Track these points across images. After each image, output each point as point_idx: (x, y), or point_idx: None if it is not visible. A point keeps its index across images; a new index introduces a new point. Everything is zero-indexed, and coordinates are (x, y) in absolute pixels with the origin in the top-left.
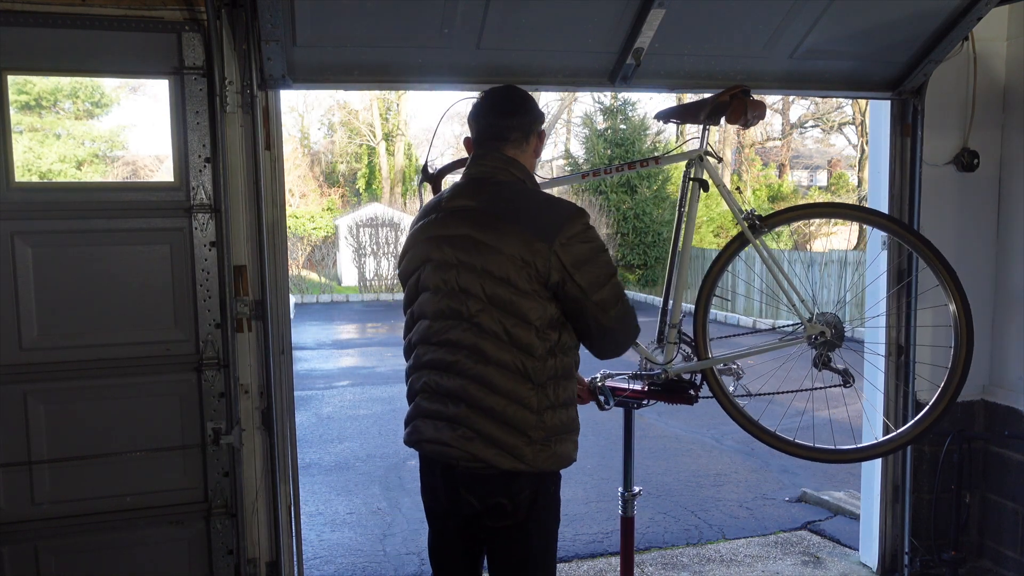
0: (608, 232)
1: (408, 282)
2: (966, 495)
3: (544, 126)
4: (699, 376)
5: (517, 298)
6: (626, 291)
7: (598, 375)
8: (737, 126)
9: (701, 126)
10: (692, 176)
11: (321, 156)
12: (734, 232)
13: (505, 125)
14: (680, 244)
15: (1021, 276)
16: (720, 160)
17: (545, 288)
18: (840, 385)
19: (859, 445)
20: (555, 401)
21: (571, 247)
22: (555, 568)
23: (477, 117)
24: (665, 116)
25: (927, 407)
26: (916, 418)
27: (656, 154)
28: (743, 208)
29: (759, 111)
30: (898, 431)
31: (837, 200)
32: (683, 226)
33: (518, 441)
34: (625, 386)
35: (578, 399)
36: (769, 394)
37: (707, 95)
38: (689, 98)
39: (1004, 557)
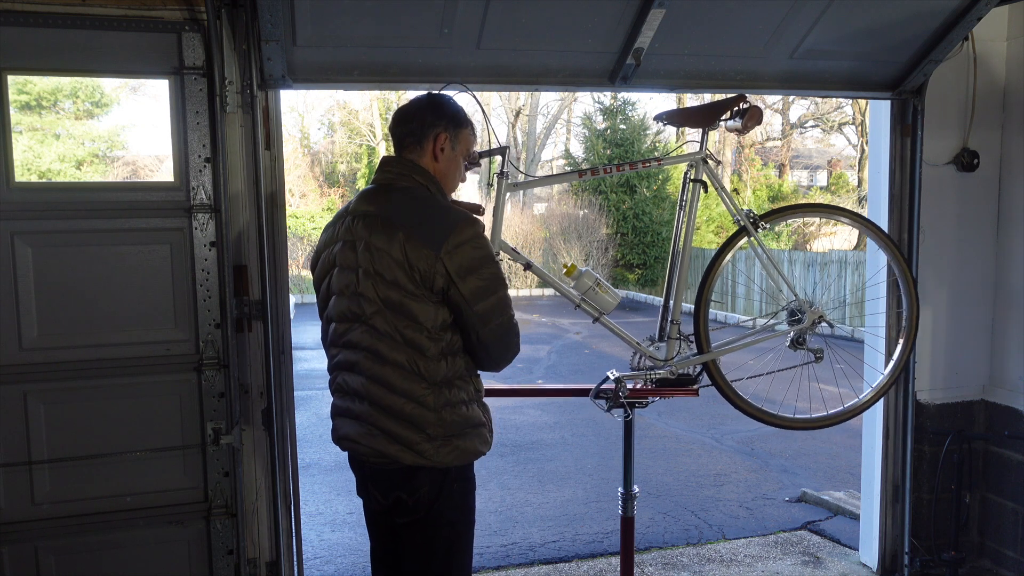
0: (608, 232)
1: (320, 286)
2: (966, 495)
3: (461, 129)
4: (698, 367)
5: (408, 301)
6: (626, 291)
7: (612, 374)
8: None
9: (701, 130)
10: (692, 178)
11: (321, 156)
12: (732, 231)
13: (400, 132)
14: (681, 244)
15: (1021, 276)
16: (719, 163)
17: (433, 293)
18: (813, 362)
19: (832, 411)
20: (453, 399)
21: (457, 255)
22: (466, 570)
23: (389, 127)
24: (667, 118)
25: (888, 368)
26: (878, 383)
27: (658, 155)
28: (741, 208)
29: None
30: (863, 395)
31: (837, 201)
32: (683, 226)
33: (417, 437)
34: (630, 386)
35: None
36: (757, 375)
37: (707, 99)
38: (689, 98)
39: (1004, 557)
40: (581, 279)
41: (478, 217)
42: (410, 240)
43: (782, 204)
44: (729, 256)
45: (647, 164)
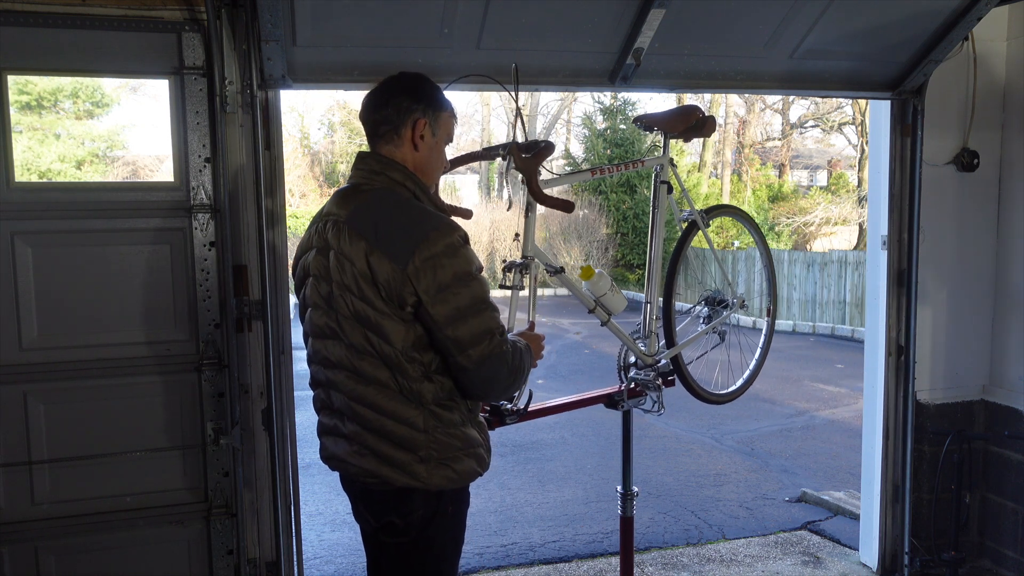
0: (608, 232)
1: (299, 295)
2: (966, 495)
3: (440, 112)
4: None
5: (378, 317)
6: (627, 291)
7: (650, 376)
8: (685, 137)
9: (664, 135)
10: (661, 180)
11: (321, 156)
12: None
13: (374, 120)
14: (656, 242)
15: (1021, 276)
16: (674, 166)
17: (402, 310)
18: (719, 343)
19: (735, 387)
20: (445, 420)
21: (427, 270)
22: None
23: (360, 114)
24: (640, 122)
25: (761, 343)
26: (757, 354)
27: (639, 158)
28: (695, 208)
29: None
30: (749, 370)
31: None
32: (657, 225)
33: (409, 458)
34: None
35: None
36: (700, 357)
37: (707, 99)
38: (689, 98)
39: (1004, 557)
40: (599, 283)
41: (458, 223)
42: (374, 252)
43: (712, 204)
44: (687, 248)
45: (636, 165)
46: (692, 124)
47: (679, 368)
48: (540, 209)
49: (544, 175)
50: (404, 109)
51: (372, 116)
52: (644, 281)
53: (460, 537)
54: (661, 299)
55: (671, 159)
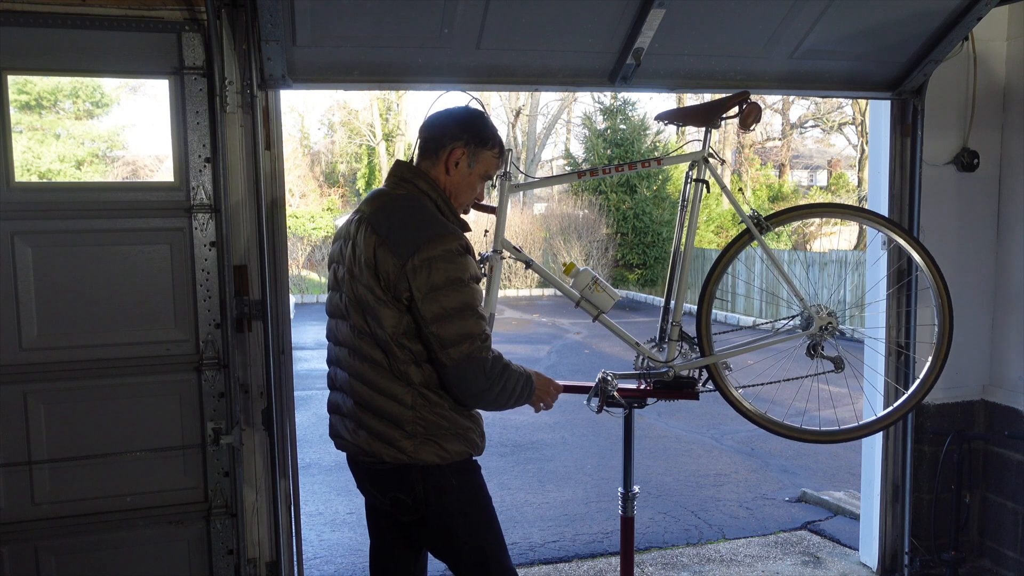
0: (608, 232)
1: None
2: (966, 495)
3: (482, 149)
4: (700, 371)
5: (375, 304)
6: (627, 291)
7: (606, 375)
8: (738, 128)
9: (704, 129)
10: (695, 177)
11: (321, 156)
12: (735, 231)
13: (423, 136)
14: (683, 244)
15: (1021, 276)
16: (723, 162)
17: (398, 301)
18: (832, 371)
19: (858, 424)
20: (433, 402)
21: (423, 270)
22: (496, 553)
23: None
24: (668, 118)
25: (914, 385)
26: (904, 396)
27: (658, 155)
28: (745, 210)
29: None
30: (888, 409)
31: (838, 200)
32: (685, 226)
33: (397, 434)
34: (630, 386)
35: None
36: (767, 383)
37: (706, 99)
38: (689, 98)
39: (1004, 557)
40: (579, 277)
41: (461, 233)
42: (381, 246)
43: (791, 204)
44: (733, 258)
45: (647, 164)
46: (733, 114)
47: (717, 382)
48: (509, 207)
49: (520, 178)
50: (449, 134)
51: (423, 132)
52: (667, 285)
53: (484, 502)
54: (689, 305)
55: (709, 155)
